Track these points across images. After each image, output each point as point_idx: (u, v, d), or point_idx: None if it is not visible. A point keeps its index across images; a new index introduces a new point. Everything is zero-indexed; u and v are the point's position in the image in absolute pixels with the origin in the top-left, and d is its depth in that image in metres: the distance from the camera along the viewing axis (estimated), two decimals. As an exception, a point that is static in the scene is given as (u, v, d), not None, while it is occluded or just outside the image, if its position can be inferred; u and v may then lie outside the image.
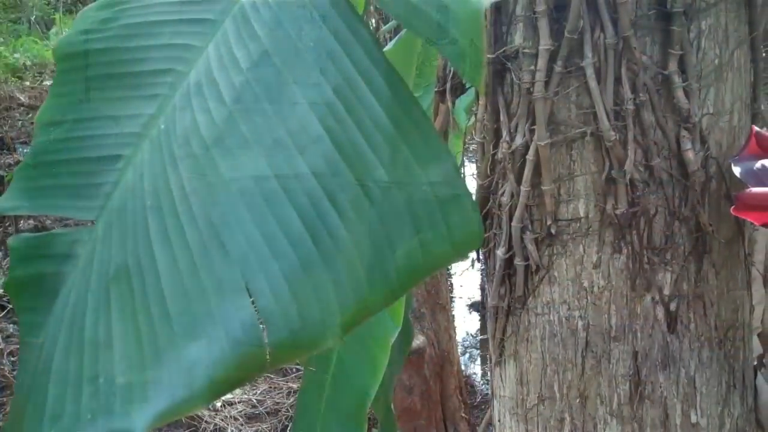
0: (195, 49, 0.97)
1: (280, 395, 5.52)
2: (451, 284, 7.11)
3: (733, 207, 1.15)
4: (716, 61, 1.23)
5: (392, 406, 3.23)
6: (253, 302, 0.83)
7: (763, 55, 1.32)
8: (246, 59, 0.92)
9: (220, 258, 0.84)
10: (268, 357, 0.81)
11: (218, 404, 5.54)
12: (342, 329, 0.83)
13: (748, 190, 1.15)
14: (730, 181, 1.24)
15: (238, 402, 5.61)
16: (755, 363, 2.15)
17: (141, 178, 0.90)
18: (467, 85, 1.38)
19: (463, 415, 4.63)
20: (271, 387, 5.73)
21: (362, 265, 0.85)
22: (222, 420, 5.42)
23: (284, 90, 0.90)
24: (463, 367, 5.78)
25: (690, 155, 1.19)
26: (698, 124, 1.21)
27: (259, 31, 0.94)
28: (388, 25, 3.91)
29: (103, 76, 0.98)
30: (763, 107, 1.36)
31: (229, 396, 5.66)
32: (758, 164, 1.20)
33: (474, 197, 1.38)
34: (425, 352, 4.44)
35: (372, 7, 4.95)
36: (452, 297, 6.87)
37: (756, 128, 1.24)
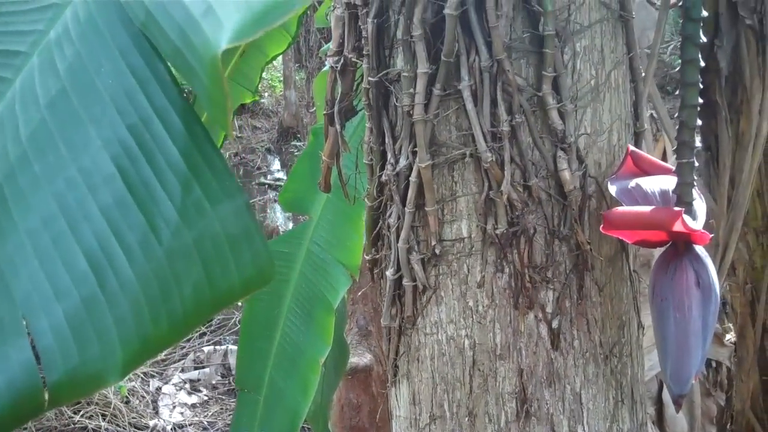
0: (6, 82, 0.97)
1: (231, 416, 5.47)
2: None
3: (601, 226, 1.17)
4: (592, 82, 1.25)
5: (329, 425, 3.23)
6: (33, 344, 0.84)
7: (642, 75, 1.35)
8: (45, 96, 0.93)
9: (2, 300, 0.85)
10: (46, 397, 0.82)
11: (168, 427, 5.48)
12: (124, 367, 0.85)
13: (614, 210, 1.17)
14: (610, 200, 1.27)
15: (189, 425, 5.55)
16: (662, 378, 2.18)
17: None
18: (358, 108, 1.39)
19: (411, 432, 4.62)
20: (222, 408, 5.69)
21: (147, 302, 0.87)
22: (172, 443, 5.35)
23: (79, 129, 0.91)
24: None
25: (566, 175, 1.21)
26: (574, 144, 1.23)
27: (60, 66, 0.94)
28: (326, 46, 3.93)
29: None
30: (646, 126, 1.38)
31: (179, 419, 5.60)
32: (633, 183, 1.22)
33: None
34: (372, 370, 4.44)
35: (314, 27, 4.97)
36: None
37: (632, 147, 1.27)
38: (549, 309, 1.26)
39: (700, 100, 1.20)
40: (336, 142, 1.37)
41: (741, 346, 2.10)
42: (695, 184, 1.20)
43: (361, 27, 1.29)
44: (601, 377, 1.31)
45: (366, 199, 1.37)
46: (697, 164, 1.20)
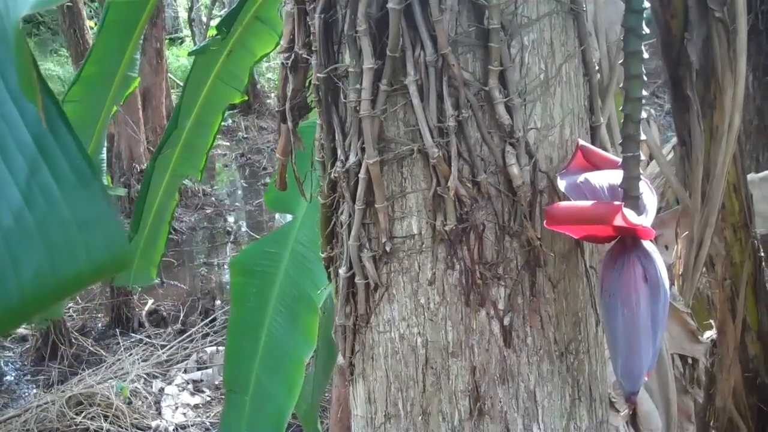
0: None
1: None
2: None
3: (545, 221, 1.16)
4: (542, 76, 1.23)
5: (319, 424, 3.22)
6: None
7: (597, 68, 1.33)
8: None
9: None
10: None
11: (171, 428, 5.49)
12: None
13: (556, 204, 1.16)
14: (563, 195, 1.25)
15: (192, 425, 5.56)
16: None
17: None
18: (312, 105, 1.38)
19: None
20: (224, 409, 5.67)
21: None
22: (174, 444, 5.36)
23: None
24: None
25: (515, 170, 1.20)
26: (523, 138, 1.21)
27: None
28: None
29: None
30: (601, 119, 1.37)
31: (182, 419, 5.61)
32: (581, 178, 1.21)
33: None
34: (370, 369, 4.42)
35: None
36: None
37: (581, 142, 1.25)
38: (501, 306, 1.25)
39: (646, 94, 1.18)
40: (289, 140, 1.37)
41: (721, 343, 2.07)
42: (642, 177, 1.18)
43: (310, 23, 1.28)
44: (557, 374, 1.29)
45: (319, 197, 1.36)
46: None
